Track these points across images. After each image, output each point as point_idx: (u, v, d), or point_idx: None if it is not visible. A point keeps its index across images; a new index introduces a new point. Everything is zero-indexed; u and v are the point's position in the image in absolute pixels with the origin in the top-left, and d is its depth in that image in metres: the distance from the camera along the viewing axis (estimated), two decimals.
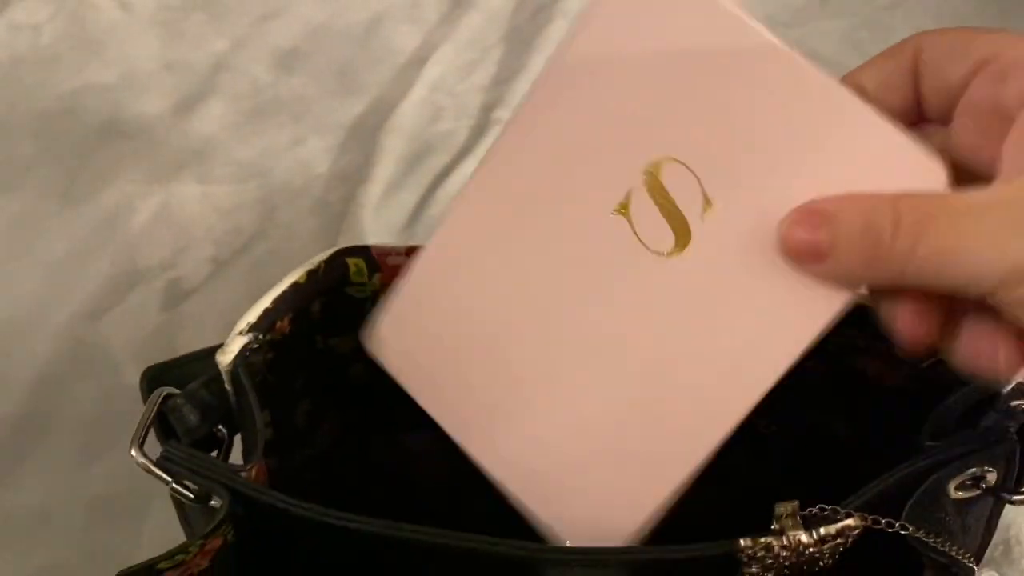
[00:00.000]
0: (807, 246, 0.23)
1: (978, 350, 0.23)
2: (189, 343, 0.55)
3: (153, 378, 0.30)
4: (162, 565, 0.24)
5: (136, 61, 0.67)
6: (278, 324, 0.30)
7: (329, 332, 0.33)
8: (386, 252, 0.32)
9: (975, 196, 0.21)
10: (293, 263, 0.57)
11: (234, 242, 0.58)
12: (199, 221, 0.59)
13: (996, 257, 0.20)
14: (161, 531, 0.46)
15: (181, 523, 0.29)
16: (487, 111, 0.63)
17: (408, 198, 0.59)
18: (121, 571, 0.23)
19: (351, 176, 0.60)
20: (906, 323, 0.23)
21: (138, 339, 0.53)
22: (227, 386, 0.29)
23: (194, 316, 0.54)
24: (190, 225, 0.59)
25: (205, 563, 0.25)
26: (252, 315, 0.30)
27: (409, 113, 0.63)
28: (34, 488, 0.48)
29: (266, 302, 0.30)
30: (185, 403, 0.28)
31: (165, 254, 0.57)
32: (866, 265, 0.22)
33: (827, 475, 0.35)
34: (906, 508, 0.25)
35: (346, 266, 0.32)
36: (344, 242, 0.57)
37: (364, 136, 0.62)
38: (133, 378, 0.53)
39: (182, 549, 0.24)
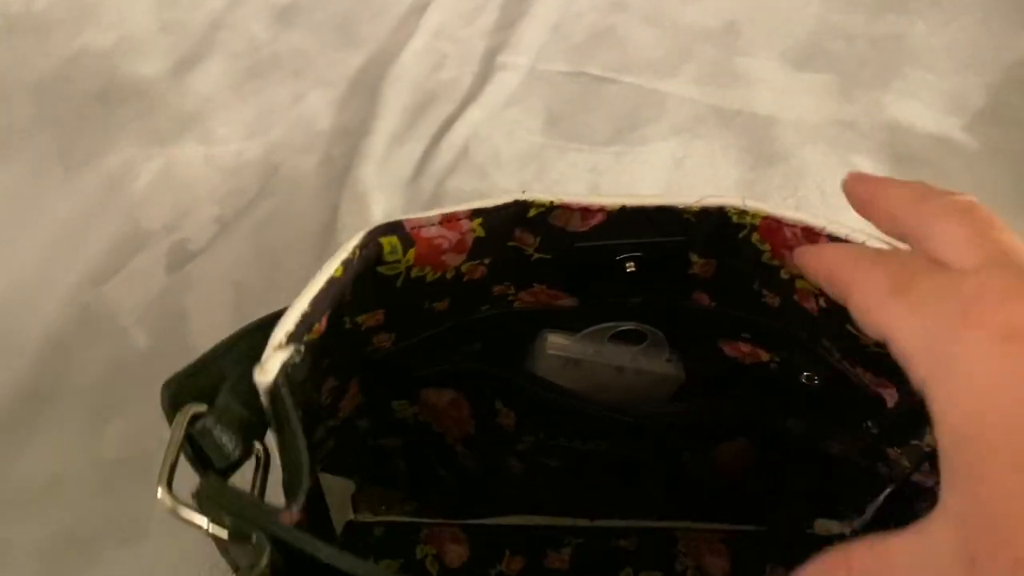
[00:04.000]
0: None
1: None
2: (197, 304, 0.54)
3: (176, 393, 0.25)
4: None
5: (132, 23, 0.66)
6: (316, 326, 0.27)
7: (357, 311, 0.31)
8: (419, 224, 0.29)
9: None
10: (299, 220, 0.57)
11: (238, 202, 0.57)
12: (202, 182, 0.58)
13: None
14: (178, 495, 0.46)
15: (220, 552, 0.27)
16: (491, 56, 0.61)
17: (414, 149, 0.58)
18: None
19: (354, 130, 0.59)
20: None
21: (145, 302, 0.52)
22: (266, 406, 0.25)
23: (201, 277, 0.53)
24: (193, 186, 0.58)
25: None
26: (289, 322, 0.25)
27: (411, 63, 0.61)
28: (46, 455, 0.47)
29: (303, 305, 0.26)
30: (216, 423, 0.25)
31: (169, 217, 0.56)
32: None
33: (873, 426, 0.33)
34: None
35: (380, 246, 0.29)
36: (349, 198, 0.56)
37: (366, 88, 0.61)
38: (141, 341, 0.52)
39: None
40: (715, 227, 0.30)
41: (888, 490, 0.39)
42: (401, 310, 0.32)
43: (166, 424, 0.50)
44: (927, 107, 0.57)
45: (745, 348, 0.35)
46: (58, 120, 0.61)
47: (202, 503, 0.23)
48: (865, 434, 0.33)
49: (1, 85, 0.62)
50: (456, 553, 0.42)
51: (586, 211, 0.29)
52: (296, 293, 0.27)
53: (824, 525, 0.43)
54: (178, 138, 0.60)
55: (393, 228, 0.29)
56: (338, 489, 0.45)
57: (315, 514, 0.34)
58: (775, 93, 0.59)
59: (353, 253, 0.27)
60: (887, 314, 0.22)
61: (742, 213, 0.29)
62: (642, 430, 0.37)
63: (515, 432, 0.39)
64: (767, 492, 0.41)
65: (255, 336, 0.26)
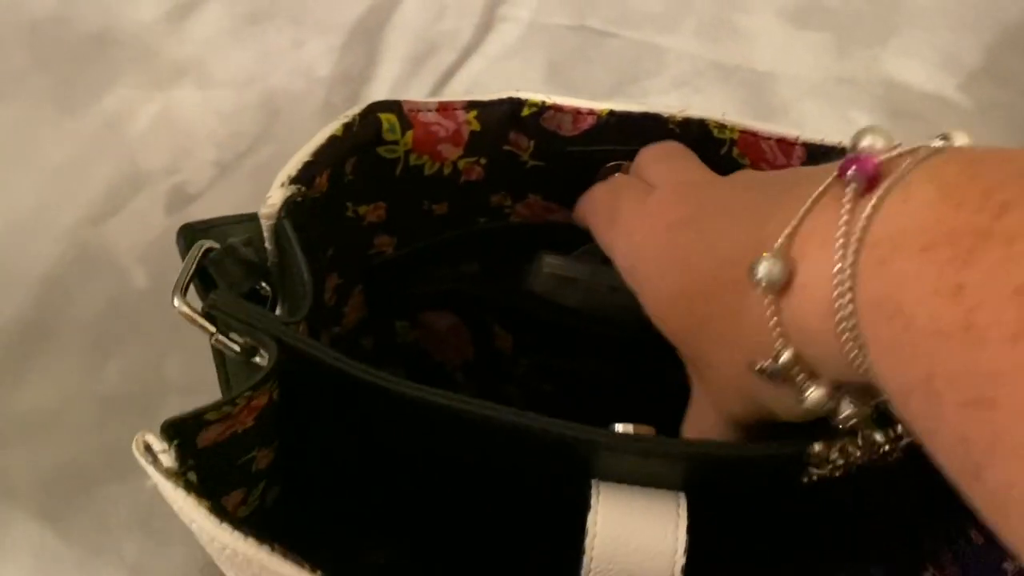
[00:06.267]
0: None
1: None
2: None
3: (191, 234, 0.29)
4: (209, 415, 0.23)
5: None
6: (317, 180, 0.28)
7: (359, 198, 0.32)
8: (416, 108, 0.30)
9: None
10: None
11: (237, 145, 0.56)
12: (200, 126, 0.57)
13: None
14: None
15: (220, 384, 0.28)
16: (492, 8, 0.61)
17: (414, 97, 0.57)
18: (167, 419, 0.22)
19: (354, 77, 0.59)
20: None
21: (144, 242, 0.52)
22: (267, 244, 0.27)
23: (200, 219, 0.53)
24: (191, 130, 0.57)
25: (250, 421, 0.24)
26: (292, 168, 0.27)
27: (412, 12, 0.61)
28: (44, 389, 0.47)
29: (305, 155, 0.28)
30: (227, 256, 0.27)
31: (167, 159, 0.56)
32: None
33: None
34: None
35: (379, 121, 0.30)
36: None
37: (366, 36, 0.60)
38: (140, 281, 0.52)
39: (229, 401, 0.23)
40: (698, 140, 0.31)
41: None
42: (401, 207, 0.33)
43: (163, 362, 0.50)
44: (923, 65, 0.58)
45: None
46: (52, 64, 0.60)
47: (214, 313, 0.25)
48: None
49: None
50: None
51: (577, 113, 0.31)
52: None
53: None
54: (176, 82, 0.59)
55: (391, 106, 0.30)
56: None
57: None
58: (774, 49, 0.60)
59: (353, 119, 0.29)
60: (607, 239, 0.30)
61: (721, 127, 0.31)
62: (642, 346, 0.37)
63: (512, 355, 0.40)
64: None
65: (253, 221, 0.28)
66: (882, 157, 0.21)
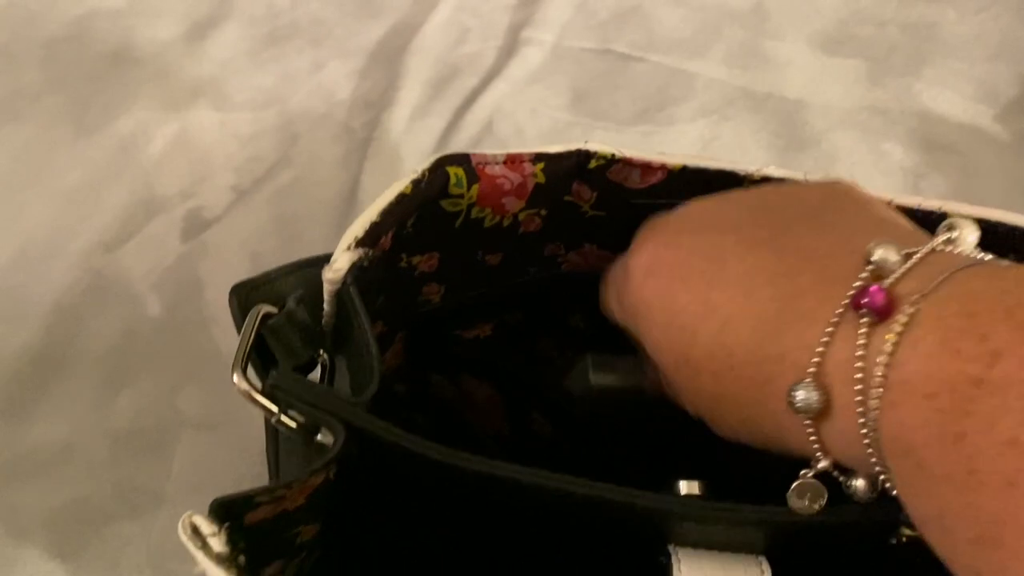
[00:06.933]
0: None
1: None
2: (213, 273, 0.53)
3: (244, 296, 0.27)
4: (260, 498, 0.22)
5: None
6: (382, 240, 0.27)
7: (414, 249, 0.31)
8: (484, 161, 0.29)
9: None
10: (318, 191, 0.55)
11: (255, 170, 0.55)
12: (218, 149, 0.56)
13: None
14: (191, 464, 0.45)
15: (268, 458, 0.27)
16: (515, 31, 0.60)
17: (436, 122, 0.56)
18: (216, 500, 0.21)
19: (375, 102, 0.58)
20: None
21: (159, 269, 0.51)
22: (326, 306, 0.26)
23: (217, 246, 0.52)
24: (209, 153, 0.56)
25: (301, 500, 0.23)
26: (359, 228, 0.26)
27: (433, 35, 0.60)
28: (56, 422, 0.46)
29: (373, 215, 0.26)
30: (286, 323, 0.26)
31: (184, 183, 0.55)
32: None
33: None
34: None
35: (447, 176, 0.29)
36: (371, 169, 0.55)
37: (387, 60, 0.59)
38: (154, 310, 0.51)
39: (286, 485, 0.22)
40: None
41: None
42: (455, 257, 0.32)
43: (178, 395, 0.48)
44: (958, 95, 0.57)
45: None
46: (68, 83, 0.59)
47: (275, 393, 0.23)
48: None
49: (10, 44, 0.60)
50: None
51: (647, 168, 0.29)
52: None
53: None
54: (193, 103, 0.58)
55: (460, 160, 0.29)
56: None
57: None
58: (805, 77, 0.58)
59: (422, 175, 0.28)
60: (612, 316, 0.31)
61: None
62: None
63: (550, 440, 0.38)
64: None
65: (311, 269, 0.27)
66: (891, 282, 0.22)
